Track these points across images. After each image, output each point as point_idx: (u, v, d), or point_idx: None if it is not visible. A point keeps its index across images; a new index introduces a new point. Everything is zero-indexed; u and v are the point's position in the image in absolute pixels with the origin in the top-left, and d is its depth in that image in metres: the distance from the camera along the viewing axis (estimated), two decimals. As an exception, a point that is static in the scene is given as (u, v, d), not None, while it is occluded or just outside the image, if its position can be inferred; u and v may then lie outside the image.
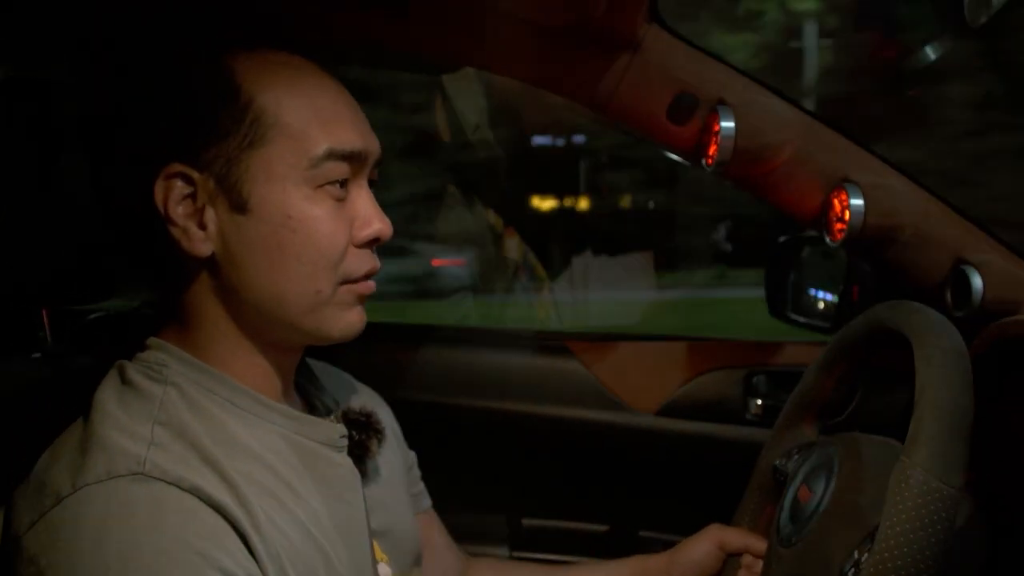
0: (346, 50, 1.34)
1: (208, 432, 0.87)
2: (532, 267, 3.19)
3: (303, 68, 0.94)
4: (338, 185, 0.92)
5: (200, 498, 0.81)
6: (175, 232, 0.89)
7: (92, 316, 1.45)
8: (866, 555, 0.87)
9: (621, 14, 1.12)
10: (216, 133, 0.88)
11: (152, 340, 0.94)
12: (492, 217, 3.16)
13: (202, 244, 0.89)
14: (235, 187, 0.88)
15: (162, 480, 0.80)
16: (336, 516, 0.94)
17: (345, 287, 0.94)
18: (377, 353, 1.69)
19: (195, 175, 0.88)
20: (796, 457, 1.16)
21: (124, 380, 0.90)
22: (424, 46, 1.23)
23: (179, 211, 0.89)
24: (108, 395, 0.89)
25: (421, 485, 1.28)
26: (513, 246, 3.22)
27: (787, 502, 1.08)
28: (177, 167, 0.88)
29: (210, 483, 0.82)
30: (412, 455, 1.27)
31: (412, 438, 1.27)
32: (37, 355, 1.26)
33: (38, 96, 1.10)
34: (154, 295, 1.02)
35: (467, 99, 2.87)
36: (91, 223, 1.08)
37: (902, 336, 0.98)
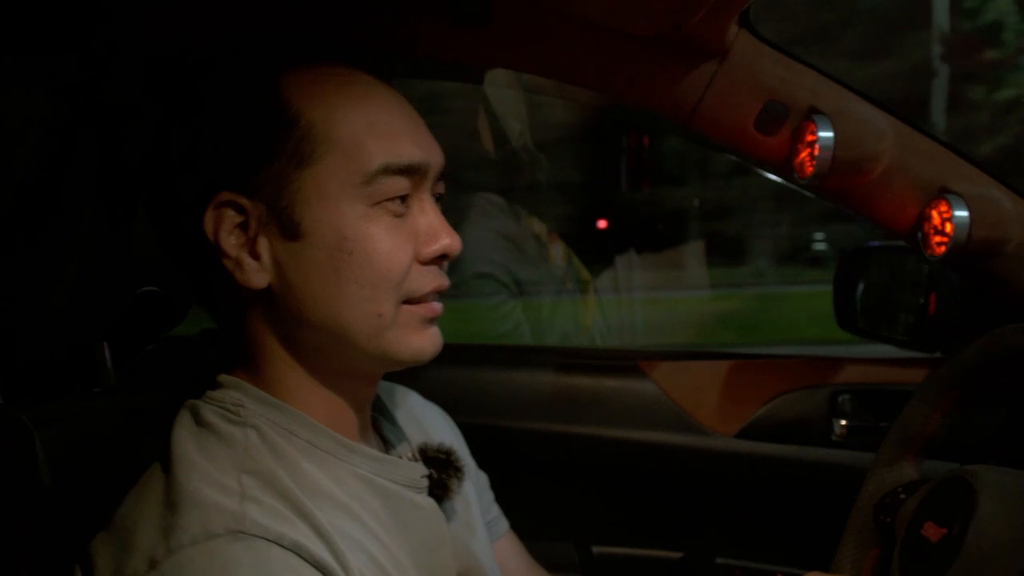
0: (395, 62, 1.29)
1: (294, 480, 0.82)
2: (577, 271, 3.14)
3: (356, 80, 0.89)
4: (398, 201, 0.87)
5: (301, 556, 0.77)
6: (228, 264, 0.85)
7: (151, 348, 1.41)
8: None
9: (711, 22, 1.06)
10: (264, 154, 0.84)
11: (223, 377, 0.89)
12: (536, 225, 3.12)
13: (256, 275, 0.85)
14: (286, 211, 0.84)
15: (263, 538, 0.76)
16: (419, 562, 0.90)
17: (408, 307, 0.88)
18: (436, 375, 1.64)
19: (245, 202, 0.84)
20: (902, 496, 1.08)
21: (200, 423, 0.85)
22: (505, 58, 1.18)
23: (231, 241, 0.85)
24: (186, 440, 0.84)
25: (496, 508, 1.23)
26: (558, 251, 3.18)
27: (909, 541, 1.01)
28: (227, 195, 0.84)
29: (308, 538, 0.78)
30: (484, 477, 1.22)
31: (479, 462, 1.22)
32: (98, 390, 1.22)
33: (104, 120, 1.06)
34: (216, 326, 0.97)
35: (510, 104, 2.83)
36: (150, 256, 1.04)
37: None
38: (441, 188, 0.94)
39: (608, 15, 1.04)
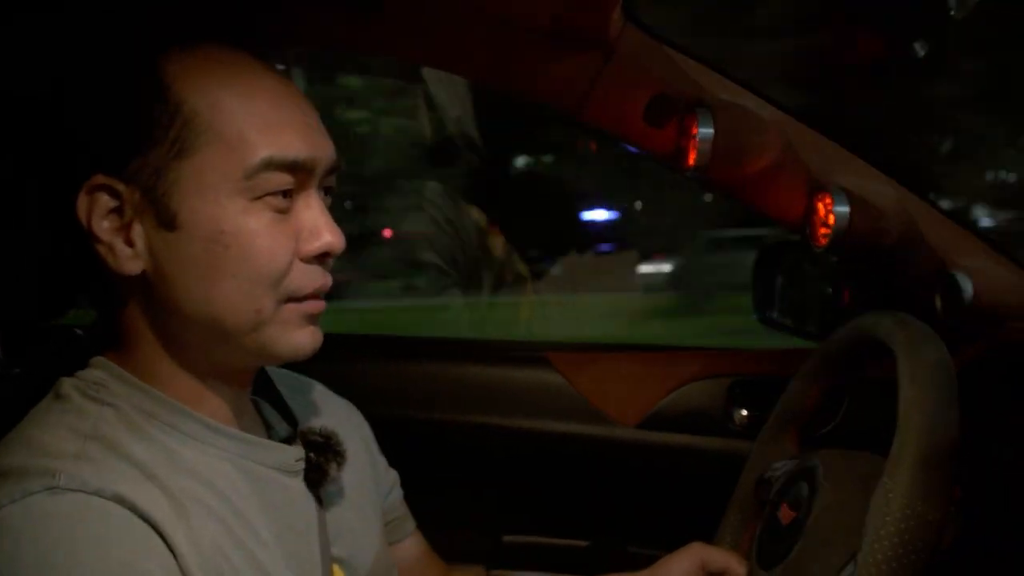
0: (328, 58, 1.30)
1: (146, 450, 0.82)
2: (515, 266, 3.15)
3: (245, 67, 0.86)
4: (280, 196, 0.84)
5: (124, 507, 0.76)
6: (100, 249, 0.83)
7: (50, 332, 1.41)
8: None
9: (594, 13, 1.07)
10: (142, 141, 0.81)
11: (93, 359, 0.89)
12: (476, 214, 3.12)
13: (130, 262, 0.83)
14: (163, 200, 0.82)
15: (80, 491, 0.76)
16: (286, 544, 0.89)
17: (290, 305, 0.86)
18: (347, 367, 1.65)
19: (121, 187, 0.82)
20: (779, 473, 1.12)
21: (58, 395, 0.85)
22: (394, 49, 1.19)
23: (104, 226, 0.83)
24: (38, 411, 0.84)
25: (403, 510, 1.22)
26: (497, 244, 3.19)
27: (768, 520, 1.04)
28: (101, 179, 0.82)
29: (141, 494, 0.78)
30: (393, 475, 1.21)
31: (386, 455, 1.22)
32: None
33: None
34: (98, 309, 0.96)
35: (449, 89, 2.84)
36: (42, 237, 1.04)
37: (887, 348, 0.95)
38: (331, 182, 0.92)
39: (491, 6, 1.06)
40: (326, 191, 0.91)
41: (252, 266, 0.83)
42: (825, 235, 1.23)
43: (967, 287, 1.22)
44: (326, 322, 0.93)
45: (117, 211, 0.83)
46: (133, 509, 0.76)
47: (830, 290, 1.55)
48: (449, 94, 2.85)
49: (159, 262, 0.83)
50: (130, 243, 0.83)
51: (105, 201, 0.83)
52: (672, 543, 1.23)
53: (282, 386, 1.06)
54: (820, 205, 1.23)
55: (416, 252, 2.91)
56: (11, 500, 0.75)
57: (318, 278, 0.88)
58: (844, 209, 1.20)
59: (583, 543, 1.69)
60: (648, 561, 1.24)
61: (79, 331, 1.17)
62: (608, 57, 1.15)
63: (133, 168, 0.82)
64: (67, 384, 0.86)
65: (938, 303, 1.26)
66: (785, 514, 1.01)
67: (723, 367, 1.63)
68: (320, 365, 0.97)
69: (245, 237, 0.82)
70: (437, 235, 2.90)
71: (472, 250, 2.98)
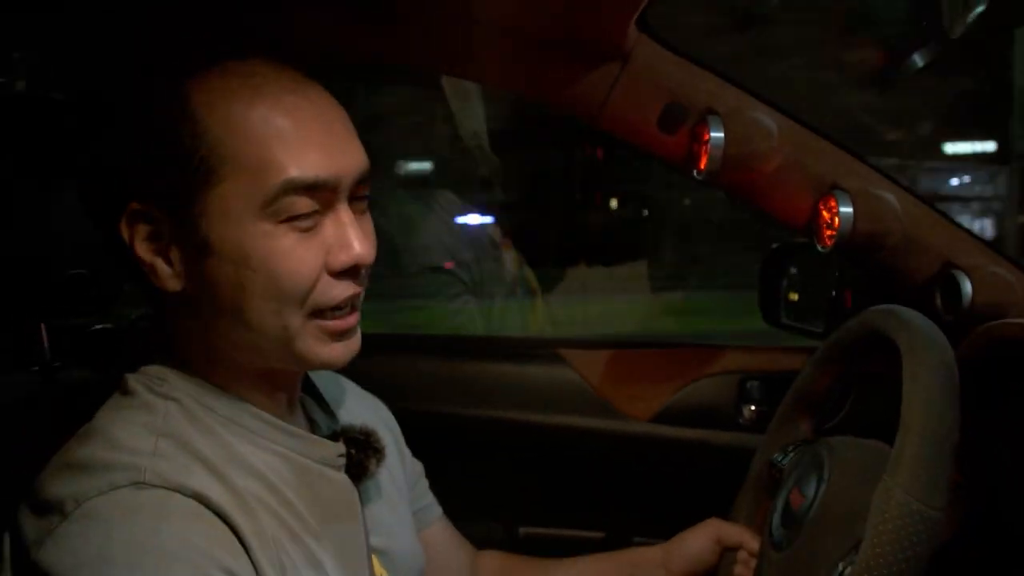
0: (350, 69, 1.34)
1: (210, 445, 0.87)
2: (526, 278, 3.20)
3: (269, 84, 0.87)
4: (306, 217, 0.86)
5: (202, 503, 0.82)
6: (145, 268, 0.88)
7: (90, 330, 1.46)
8: (849, 568, 0.87)
9: (609, 25, 1.13)
10: (172, 170, 0.84)
11: (156, 354, 0.93)
12: (489, 227, 3.17)
13: (170, 280, 0.87)
14: (193, 226, 0.85)
15: (163, 487, 0.81)
16: (333, 534, 0.94)
17: (314, 323, 0.89)
18: (369, 362, 1.70)
19: (156, 213, 0.86)
20: (792, 455, 1.17)
21: (125, 391, 0.90)
22: (413, 57, 1.23)
23: (144, 248, 0.87)
24: (107, 410, 0.89)
25: (429, 496, 1.27)
26: (509, 257, 3.22)
27: (779, 504, 1.09)
28: (137, 206, 0.86)
29: (214, 491, 0.83)
30: (419, 466, 1.26)
31: (408, 447, 1.27)
32: (36, 369, 1.27)
33: (41, 113, 1.11)
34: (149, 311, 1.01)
35: (467, 105, 2.88)
36: (87, 239, 1.09)
37: (893, 343, 0.98)
38: (364, 191, 0.92)
39: (506, 17, 1.11)
40: (360, 199, 0.92)
41: (278, 287, 0.85)
42: (830, 236, 1.28)
43: (966, 286, 1.27)
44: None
45: (156, 234, 0.87)
46: (208, 505, 0.82)
47: (834, 291, 1.59)
48: (466, 110, 2.89)
49: (195, 282, 0.87)
50: (170, 264, 0.87)
51: (144, 225, 0.87)
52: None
53: (320, 383, 1.12)
54: (825, 208, 1.29)
55: (429, 257, 2.94)
56: (99, 492, 0.80)
57: (345, 289, 0.89)
58: (848, 211, 1.25)
59: (598, 535, 1.74)
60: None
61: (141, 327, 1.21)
62: (623, 67, 1.21)
63: (166, 196, 0.85)
64: (132, 380, 0.91)
65: (938, 302, 1.31)
66: (796, 498, 1.05)
67: (733, 364, 1.69)
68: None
69: (271, 261, 0.85)
70: (450, 242, 2.95)
71: (485, 260, 3.03)
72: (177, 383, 0.90)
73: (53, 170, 1.11)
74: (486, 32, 1.17)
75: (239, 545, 0.82)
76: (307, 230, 0.86)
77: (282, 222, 0.85)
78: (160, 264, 0.87)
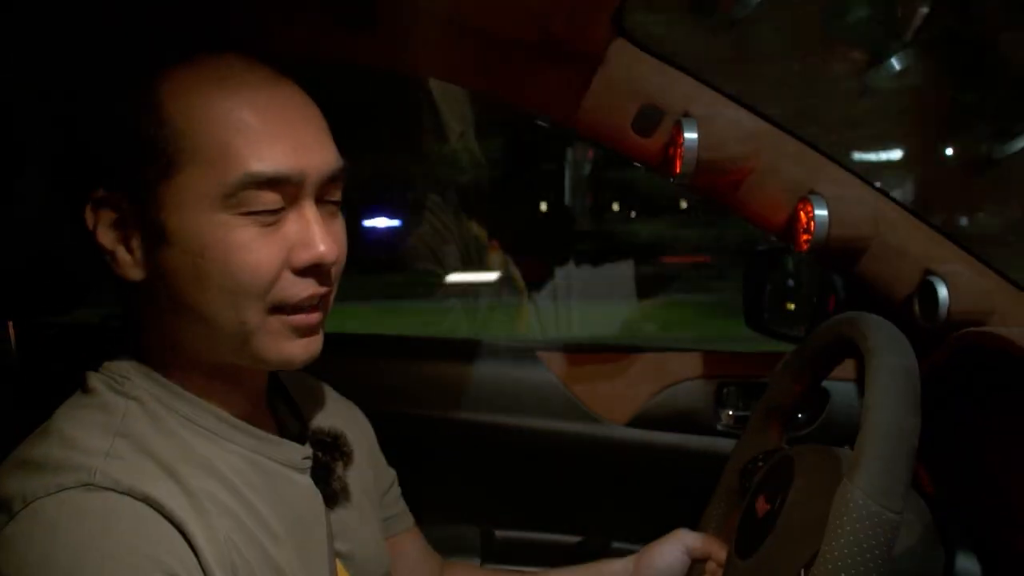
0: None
1: (168, 446, 0.87)
2: (513, 279, 3.20)
3: (240, 80, 0.87)
4: (270, 213, 0.86)
5: (152, 507, 0.81)
6: (106, 256, 0.88)
7: (59, 327, 1.45)
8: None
9: (584, 28, 1.13)
10: (136, 159, 0.85)
11: (116, 353, 0.93)
12: (476, 227, 3.17)
13: (131, 270, 0.88)
14: (154, 214, 0.85)
15: (113, 490, 0.80)
16: (295, 537, 0.94)
17: (276, 317, 0.88)
18: (345, 364, 1.69)
19: (121, 201, 0.86)
20: (760, 464, 1.16)
21: (85, 389, 0.90)
22: (389, 60, 1.22)
23: (108, 236, 0.87)
24: (65, 409, 0.89)
25: (401, 505, 1.26)
26: (496, 259, 3.23)
27: (746, 511, 1.08)
28: (102, 193, 0.87)
29: (166, 493, 0.82)
30: (391, 473, 1.25)
31: (382, 449, 1.26)
32: (2, 368, 1.26)
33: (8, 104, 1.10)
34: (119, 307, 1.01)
35: (453, 106, 2.88)
36: (53, 235, 1.08)
37: (859, 349, 0.98)
38: (334, 193, 0.92)
39: (481, 19, 1.11)
40: (330, 202, 0.92)
41: (236, 279, 0.85)
42: (806, 240, 1.27)
43: (943, 293, 1.26)
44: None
45: (119, 223, 0.87)
46: (159, 509, 0.81)
47: (816, 297, 1.59)
48: (453, 111, 2.90)
49: (156, 271, 0.87)
50: (131, 252, 0.88)
51: (108, 213, 0.87)
52: (657, 538, 1.28)
53: (291, 385, 1.11)
54: (802, 212, 1.28)
55: (417, 260, 2.94)
56: (46, 493, 0.79)
57: (307, 288, 0.89)
58: (823, 215, 1.24)
59: (575, 539, 1.73)
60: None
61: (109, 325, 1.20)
62: (598, 69, 1.20)
63: (130, 184, 0.86)
64: (94, 378, 0.91)
65: (916, 307, 1.31)
66: (761, 506, 1.05)
67: (711, 369, 1.68)
68: (320, 360, 1.01)
69: (229, 252, 0.84)
70: (437, 244, 2.95)
71: (471, 261, 3.03)
72: (139, 382, 0.90)
73: (20, 163, 1.10)
74: (460, 34, 1.16)
75: (188, 549, 0.81)
76: (269, 224, 0.86)
77: (242, 215, 0.84)
78: (121, 252, 0.88)
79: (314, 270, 0.89)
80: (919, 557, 0.98)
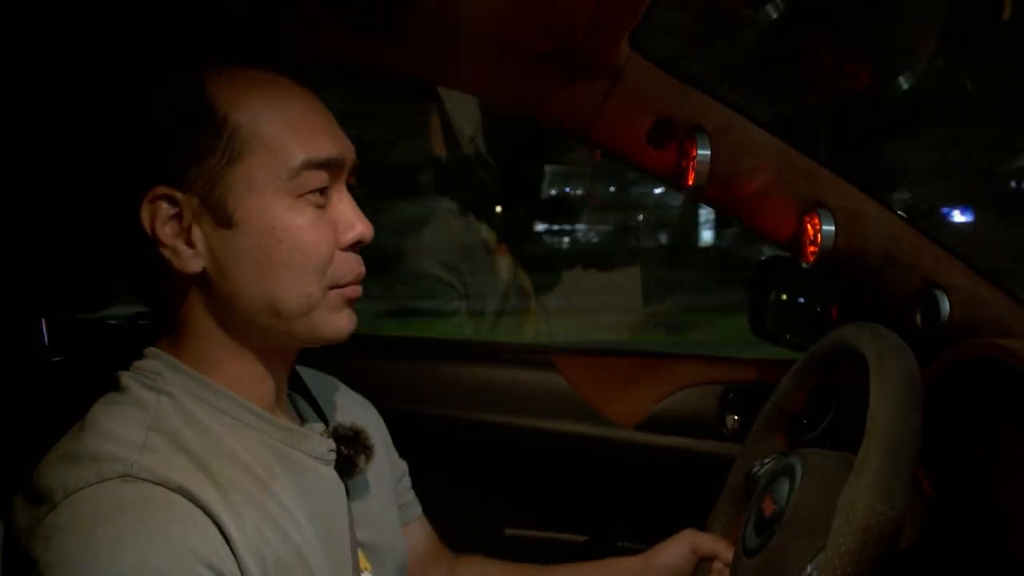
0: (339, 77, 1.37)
1: (199, 439, 0.90)
2: (522, 285, 3.20)
3: (275, 81, 0.96)
4: (318, 193, 0.95)
5: (186, 497, 0.85)
6: (165, 252, 0.92)
7: (90, 325, 1.49)
8: (816, 571, 0.91)
9: (601, 41, 1.16)
10: (195, 154, 0.91)
11: (148, 350, 0.97)
12: (486, 232, 3.18)
13: (192, 261, 0.92)
14: (219, 203, 0.91)
15: (149, 481, 0.84)
16: (318, 526, 0.97)
17: (334, 291, 0.97)
18: (363, 365, 1.73)
19: (179, 196, 0.91)
20: (767, 467, 1.20)
21: (119, 387, 0.94)
22: (410, 69, 1.26)
23: (167, 231, 0.92)
24: (101, 405, 0.92)
25: (411, 495, 1.30)
26: (505, 263, 3.23)
27: (753, 512, 1.12)
28: (161, 190, 0.91)
29: (198, 484, 0.86)
30: (403, 465, 1.29)
31: (397, 448, 1.30)
32: (36, 364, 1.30)
33: (32, 109, 1.13)
34: (147, 307, 1.04)
35: (463, 110, 2.89)
36: (87, 235, 1.11)
37: (864, 357, 1.02)
38: (353, 180, 1.01)
39: (502, 31, 1.14)
40: (350, 188, 1.01)
41: (302, 256, 0.93)
42: (813, 253, 1.31)
43: (944, 304, 1.30)
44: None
45: (176, 217, 0.92)
46: (192, 499, 0.85)
47: (819, 306, 1.63)
48: (463, 114, 2.91)
49: (218, 259, 0.93)
50: (191, 244, 0.92)
51: (165, 209, 0.91)
52: (664, 539, 1.32)
53: (309, 382, 1.15)
54: (809, 225, 1.32)
55: (423, 266, 2.96)
56: (87, 484, 0.83)
57: (356, 266, 0.99)
58: (830, 229, 1.29)
59: (582, 538, 1.77)
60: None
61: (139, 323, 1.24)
62: (615, 83, 1.24)
63: (189, 178, 0.91)
64: (125, 377, 0.94)
65: (917, 318, 1.34)
66: (767, 506, 1.09)
67: (717, 374, 1.72)
68: (337, 360, 1.05)
69: (294, 231, 0.93)
70: (444, 250, 2.96)
71: (479, 267, 3.04)
72: (171, 377, 0.94)
73: (54, 166, 1.14)
74: (481, 45, 1.19)
75: (222, 538, 0.85)
76: (320, 207, 0.95)
77: (300, 196, 0.93)
78: (181, 246, 0.92)
79: (356, 247, 0.99)
80: (918, 555, 1.03)
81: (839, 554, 0.85)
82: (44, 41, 1.12)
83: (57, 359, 1.32)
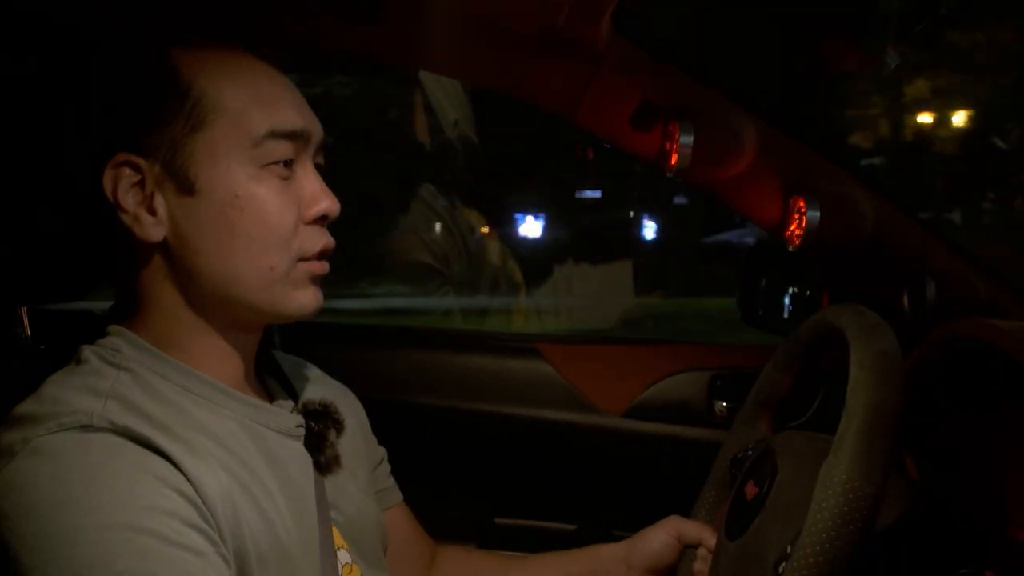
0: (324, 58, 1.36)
1: (160, 409, 0.89)
2: (511, 271, 3.20)
3: (239, 54, 0.96)
4: (282, 165, 0.94)
5: (149, 448, 0.83)
6: (126, 219, 0.91)
7: (74, 315, 1.47)
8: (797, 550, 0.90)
9: (584, 24, 1.15)
10: (159, 120, 0.90)
11: (112, 327, 0.96)
12: (473, 217, 3.16)
13: (153, 229, 0.91)
14: (182, 170, 0.91)
15: (111, 431, 0.83)
16: (287, 495, 0.96)
17: (300, 265, 0.96)
18: (349, 354, 1.73)
19: (141, 162, 0.90)
20: (750, 454, 1.20)
21: (78, 360, 0.92)
22: (391, 52, 1.25)
23: (128, 198, 0.91)
24: (60, 373, 0.91)
25: (390, 481, 1.29)
26: (494, 249, 3.22)
27: (735, 497, 1.12)
28: (123, 156, 0.90)
29: (162, 439, 0.85)
30: (381, 451, 1.28)
31: (384, 439, 1.28)
32: (18, 353, 1.28)
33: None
34: (113, 284, 1.03)
35: (446, 93, 2.88)
36: (67, 222, 1.10)
37: (844, 336, 1.01)
38: (320, 159, 1.01)
39: (483, 12, 1.13)
40: (318, 167, 1.00)
41: (264, 227, 0.92)
42: (798, 236, 1.31)
43: (931, 287, 1.30)
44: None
45: (139, 184, 0.91)
46: (156, 450, 0.84)
47: (809, 291, 1.62)
48: (447, 98, 2.90)
49: (179, 227, 0.92)
50: (152, 212, 0.91)
51: (128, 175, 0.91)
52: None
53: (285, 366, 1.14)
54: (794, 208, 1.31)
55: (410, 253, 2.95)
56: (48, 432, 0.82)
57: (321, 239, 0.97)
58: (816, 212, 1.28)
59: (571, 526, 1.77)
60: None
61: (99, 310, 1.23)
62: (598, 65, 1.24)
63: (152, 145, 0.90)
64: (87, 350, 0.93)
65: (905, 301, 1.34)
66: (750, 490, 1.08)
67: (705, 360, 1.71)
68: (324, 351, 1.03)
69: (257, 200, 0.92)
70: (431, 236, 2.95)
71: (468, 253, 3.03)
72: (131, 354, 0.93)
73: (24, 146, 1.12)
74: (462, 28, 1.18)
75: (190, 487, 0.84)
76: (285, 179, 0.94)
77: (264, 167, 0.92)
78: (143, 213, 0.91)
79: (321, 221, 0.97)
80: (898, 534, 1.02)
81: (817, 531, 0.85)
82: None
83: (41, 348, 1.30)
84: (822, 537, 0.84)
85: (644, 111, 1.27)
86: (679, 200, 6.25)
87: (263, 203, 0.92)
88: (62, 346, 1.32)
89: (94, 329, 1.02)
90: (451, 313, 2.97)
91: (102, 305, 1.49)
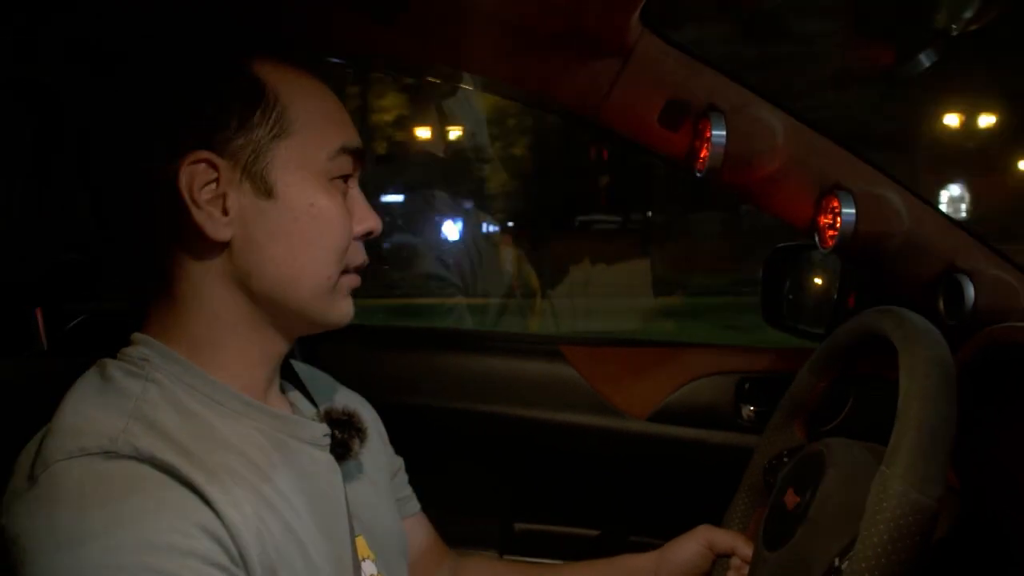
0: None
1: (185, 427, 0.87)
2: (526, 276, 3.19)
3: (306, 73, 0.99)
4: (343, 180, 0.98)
5: (172, 476, 0.82)
6: (198, 216, 0.90)
7: (85, 316, 1.46)
8: (846, 563, 0.87)
9: (612, 20, 1.12)
10: (244, 124, 0.92)
11: (137, 336, 0.95)
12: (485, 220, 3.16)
13: (224, 228, 0.92)
14: (262, 174, 0.92)
15: (135, 458, 0.81)
16: (316, 510, 0.95)
17: (344, 277, 0.99)
18: (367, 357, 1.70)
19: (220, 162, 0.91)
20: (786, 460, 1.16)
21: (103, 376, 0.90)
22: (416, 52, 1.23)
23: (203, 196, 0.91)
24: (83, 390, 0.89)
25: (408, 490, 1.28)
26: (508, 254, 3.22)
27: (774, 505, 1.09)
28: (203, 154, 0.90)
29: (185, 466, 0.83)
30: (399, 460, 1.27)
31: (404, 442, 1.27)
32: (31, 355, 1.27)
33: (36, 98, 1.11)
34: (145, 289, 1.00)
35: (462, 103, 2.88)
36: (84, 223, 1.09)
37: (890, 343, 0.98)
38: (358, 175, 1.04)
39: (509, 11, 1.10)
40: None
41: (331, 236, 0.96)
42: (832, 237, 1.27)
43: (969, 290, 1.26)
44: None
45: (214, 183, 0.91)
46: (180, 479, 0.82)
47: (837, 294, 1.59)
48: (463, 109, 2.89)
49: (249, 230, 0.93)
50: (225, 212, 0.92)
51: (203, 173, 0.91)
52: (678, 533, 1.28)
53: (303, 376, 1.14)
54: (827, 208, 1.28)
55: (424, 261, 2.95)
56: (69, 456, 0.80)
57: (362, 254, 1.01)
58: (851, 212, 1.24)
59: (593, 532, 1.74)
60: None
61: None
62: (625, 62, 1.20)
63: (233, 147, 0.92)
64: (110, 365, 0.91)
65: (941, 305, 1.30)
66: (790, 499, 1.05)
67: (732, 364, 1.68)
68: (344, 351, 1.01)
69: (329, 211, 0.95)
70: (447, 245, 2.95)
71: (481, 260, 3.02)
72: (159, 363, 0.92)
73: (51, 153, 1.11)
74: (489, 26, 1.16)
75: (215, 517, 0.82)
76: (343, 193, 0.99)
77: (332, 180, 0.97)
78: (216, 211, 0.92)
79: (365, 237, 1.02)
80: (950, 546, 0.99)
81: (871, 545, 0.82)
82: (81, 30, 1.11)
83: (56, 351, 1.28)
84: (876, 552, 0.81)
85: (673, 109, 1.23)
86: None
87: (333, 214, 0.95)
88: (79, 349, 1.31)
89: (111, 332, 1.00)
90: (462, 319, 2.97)
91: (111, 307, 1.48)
